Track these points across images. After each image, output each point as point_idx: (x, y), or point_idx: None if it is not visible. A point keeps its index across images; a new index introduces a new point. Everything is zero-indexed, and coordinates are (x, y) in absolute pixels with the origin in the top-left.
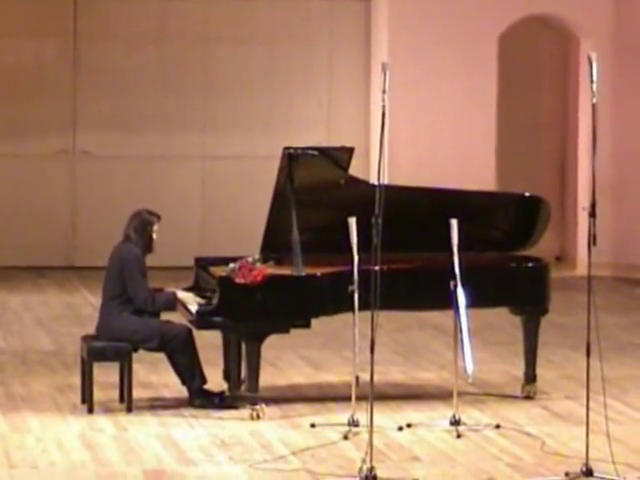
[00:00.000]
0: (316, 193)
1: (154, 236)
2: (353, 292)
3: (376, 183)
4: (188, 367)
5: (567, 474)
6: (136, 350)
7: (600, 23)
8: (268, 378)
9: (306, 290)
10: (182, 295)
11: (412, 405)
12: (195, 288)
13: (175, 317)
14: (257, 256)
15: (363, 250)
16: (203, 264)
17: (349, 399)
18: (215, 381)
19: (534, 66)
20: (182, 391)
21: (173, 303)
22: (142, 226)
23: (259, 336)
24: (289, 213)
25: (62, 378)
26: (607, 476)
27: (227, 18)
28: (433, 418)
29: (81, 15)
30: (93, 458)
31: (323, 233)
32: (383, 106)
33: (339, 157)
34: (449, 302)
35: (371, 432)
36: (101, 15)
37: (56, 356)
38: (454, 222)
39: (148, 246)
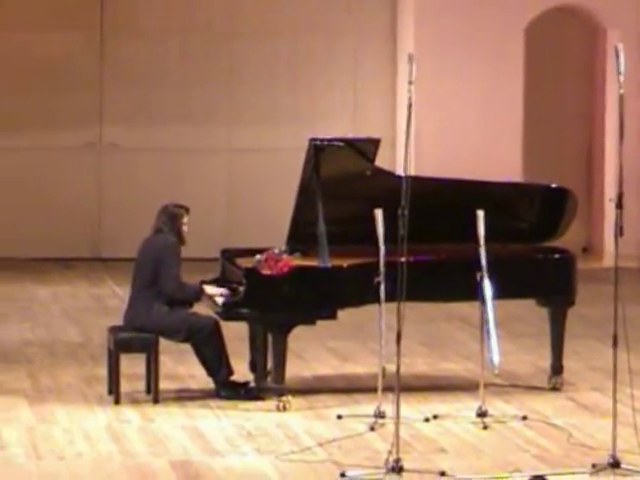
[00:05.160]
0: (342, 184)
1: (184, 229)
2: (379, 284)
3: (402, 174)
4: (215, 359)
5: (594, 466)
6: (163, 335)
7: (627, 14)
8: (294, 369)
9: (332, 281)
10: (208, 288)
11: (438, 397)
12: (221, 279)
13: (203, 309)
14: (283, 247)
15: (389, 241)
16: (229, 256)
17: (375, 390)
18: (241, 372)
19: (561, 57)
20: (208, 382)
21: (199, 294)
22: (171, 220)
23: (285, 327)
24: (315, 205)
25: (89, 369)
26: (634, 468)
27: (252, 11)
28: (459, 410)
29: (108, 8)
30: (120, 449)
31: (349, 225)
32: (409, 97)
33: (365, 148)
34: (475, 293)
35: (397, 423)
36: (128, 8)
37: (83, 348)
38: (481, 213)
39: (179, 239)
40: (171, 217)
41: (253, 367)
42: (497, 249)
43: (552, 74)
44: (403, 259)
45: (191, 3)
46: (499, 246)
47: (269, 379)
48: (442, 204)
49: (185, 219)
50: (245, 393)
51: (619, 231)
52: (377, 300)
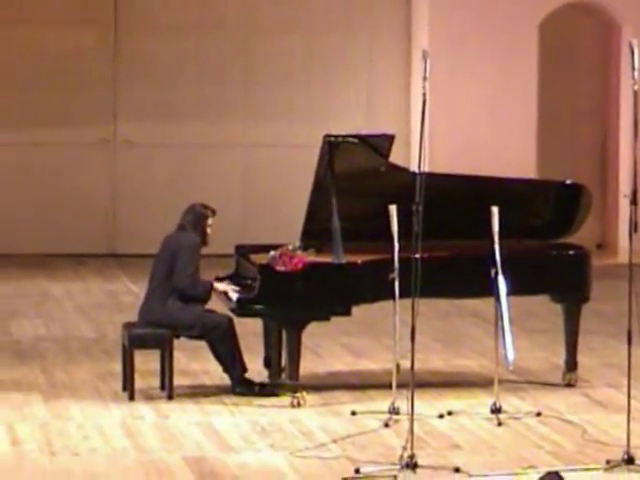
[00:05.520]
0: (356, 181)
1: (208, 230)
2: (393, 280)
3: (416, 170)
4: (229, 356)
5: (608, 462)
6: (178, 337)
7: None
8: (309, 366)
9: (346, 278)
10: (219, 286)
11: (453, 393)
12: (235, 276)
13: (217, 306)
14: (298, 244)
15: (403, 238)
16: (244, 252)
17: (390, 387)
18: (256, 369)
19: (575, 53)
20: (223, 378)
21: (209, 292)
22: (197, 220)
23: (299, 324)
24: (329, 201)
25: (103, 365)
26: None
27: (268, 8)
28: (474, 406)
29: (121, 4)
30: (134, 445)
31: (363, 221)
32: (424, 94)
33: (379, 144)
34: (490, 290)
35: (412, 420)
36: (142, 4)
37: (97, 344)
38: (495, 210)
39: (202, 240)
40: (197, 217)
41: (267, 363)
42: (511, 245)
43: (566, 71)
44: (417, 255)
45: (206, 0)
46: (513, 242)
47: (283, 375)
48: (456, 200)
49: (210, 220)
50: (260, 389)
51: (633, 227)
52: (391, 296)
